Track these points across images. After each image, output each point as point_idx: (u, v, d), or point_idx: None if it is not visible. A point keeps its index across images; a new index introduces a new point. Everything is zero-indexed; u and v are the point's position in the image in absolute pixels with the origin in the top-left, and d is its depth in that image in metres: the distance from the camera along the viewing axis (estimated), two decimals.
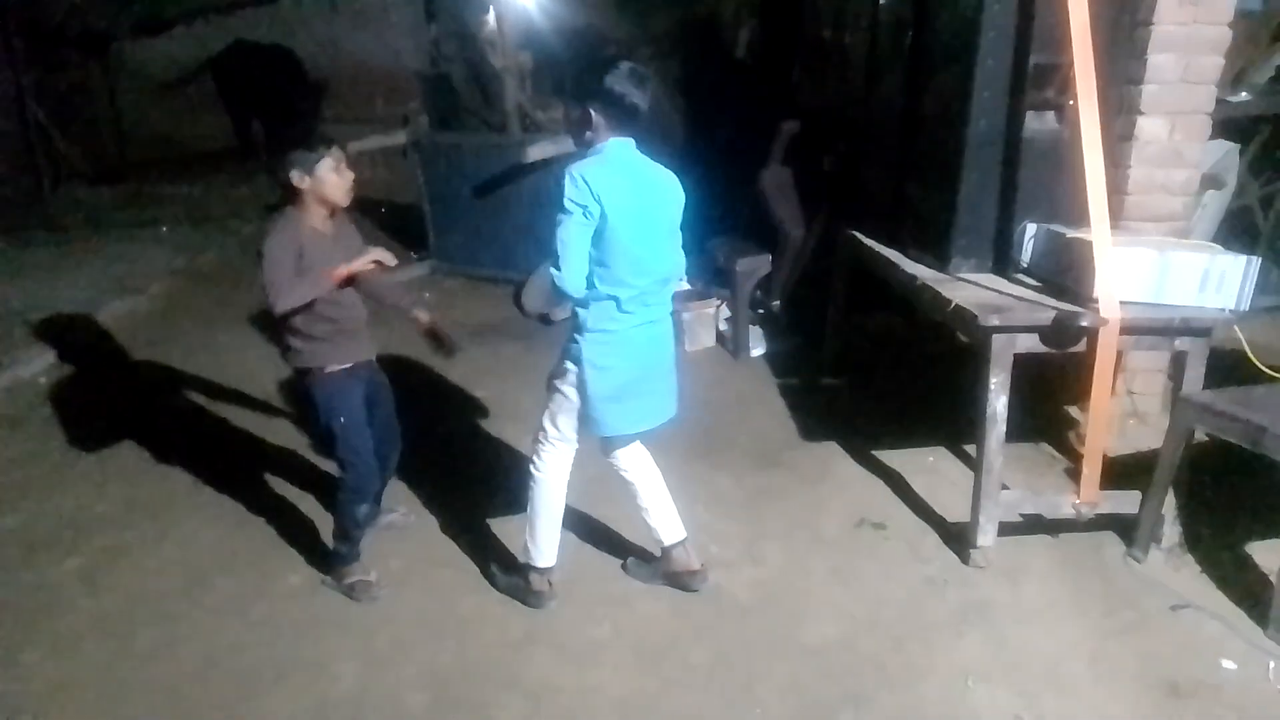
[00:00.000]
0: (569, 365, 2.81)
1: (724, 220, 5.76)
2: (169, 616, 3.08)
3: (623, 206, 2.56)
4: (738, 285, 5.16)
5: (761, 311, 5.45)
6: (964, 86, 3.26)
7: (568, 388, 2.83)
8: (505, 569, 3.19)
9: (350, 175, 2.92)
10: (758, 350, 5.29)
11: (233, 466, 4.04)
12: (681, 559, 3.10)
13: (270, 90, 10.39)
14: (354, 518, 3.10)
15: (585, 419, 2.84)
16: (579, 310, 2.73)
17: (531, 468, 2.99)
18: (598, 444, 3.03)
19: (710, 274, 5.77)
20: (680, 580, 3.12)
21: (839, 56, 6.16)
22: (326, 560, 3.25)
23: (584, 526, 3.47)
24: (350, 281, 2.95)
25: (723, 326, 5.45)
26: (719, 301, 5.46)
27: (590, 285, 2.65)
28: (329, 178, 2.85)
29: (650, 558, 3.22)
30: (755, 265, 5.18)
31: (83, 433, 4.46)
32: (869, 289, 4.92)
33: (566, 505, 3.04)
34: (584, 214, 2.53)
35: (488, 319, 6.15)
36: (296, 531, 3.54)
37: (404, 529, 3.54)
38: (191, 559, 3.41)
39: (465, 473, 3.99)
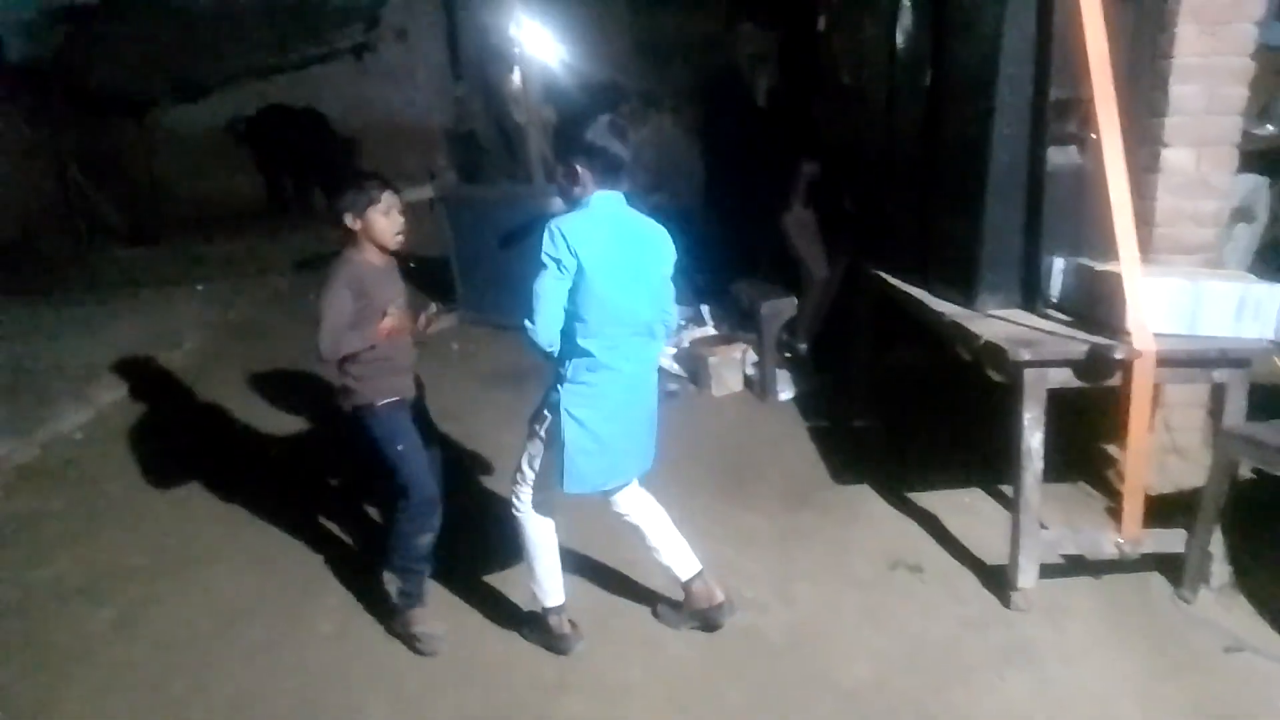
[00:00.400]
0: (547, 412, 2.84)
1: (747, 263, 5.79)
2: (200, 663, 3.08)
3: (600, 258, 2.60)
4: (763, 328, 5.16)
5: (788, 354, 5.44)
6: (984, 122, 3.28)
7: (544, 432, 2.86)
8: (529, 623, 3.16)
9: (400, 220, 2.99)
10: (785, 393, 5.26)
11: (264, 514, 4.06)
12: (702, 592, 3.05)
13: (301, 149, 10.69)
14: (417, 549, 3.07)
15: (556, 471, 2.82)
16: (561, 361, 2.76)
17: (513, 510, 2.99)
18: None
19: (735, 317, 5.78)
20: (706, 617, 3.06)
21: (858, 101, 6.22)
22: (396, 605, 3.17)
23: (608, 569, 3.44)
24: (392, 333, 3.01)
25: (749, 370, 5.43)
26: (745, 345, 5.45)
27: (569, 337, 2.69)
28: (379, 221, 2.94)
29: (678, 603, 3.16)
30: (780, 307, 5.19)
31: (118, 485, 4.52)
32: (896, 328, 4.91)
33: (589, 551, 3.04)
34: (559, 267, 2.58)
35: (514, 365, 6.17)
36: (326, 577, 3.55)
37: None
38: (222, 606, 3.41)
39: (493, 514, 3.97)
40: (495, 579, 3.47)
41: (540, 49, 9.41)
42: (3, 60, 10.02)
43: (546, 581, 3.01)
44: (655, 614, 3.21)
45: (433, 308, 3.23)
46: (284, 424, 5.10)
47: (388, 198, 2.94)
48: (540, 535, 2.98)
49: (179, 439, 5.09)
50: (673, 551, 3.06)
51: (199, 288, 8.51)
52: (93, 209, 10.43)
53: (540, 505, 2.97)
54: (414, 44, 11.41)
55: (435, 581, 3.42)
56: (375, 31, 11.25)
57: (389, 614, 3.20)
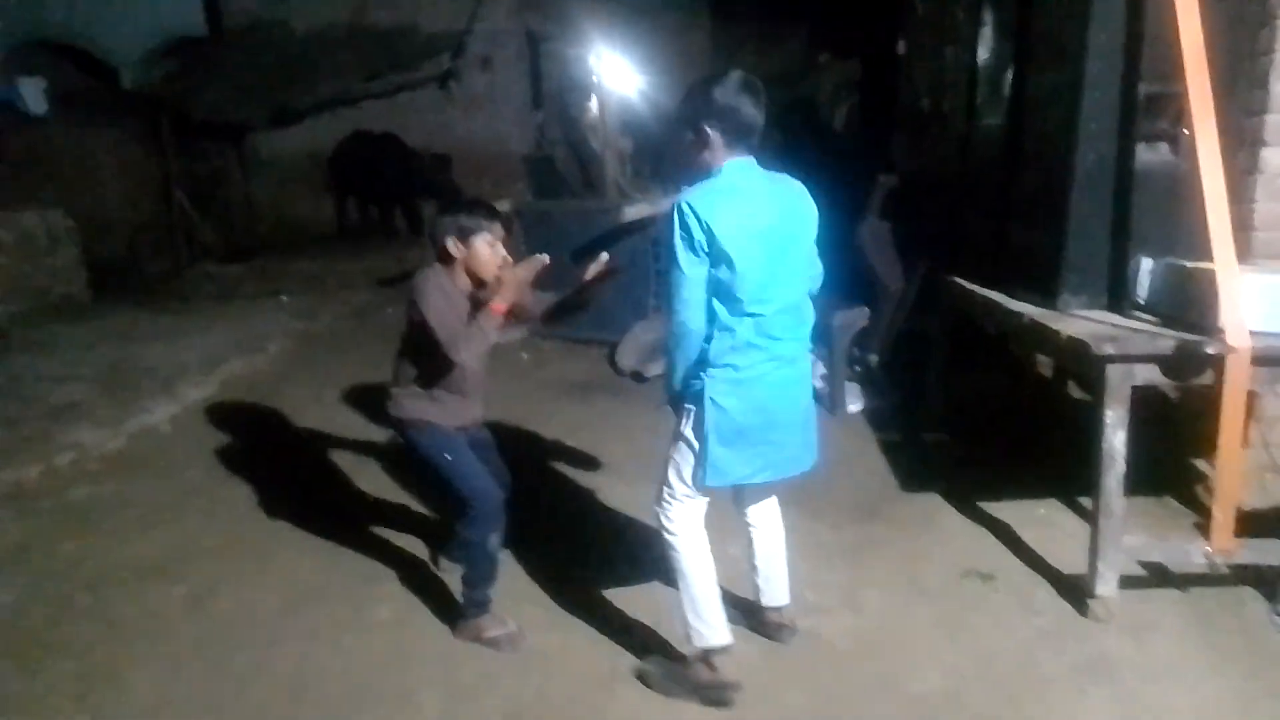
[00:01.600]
0: (689, 406, 2.56)
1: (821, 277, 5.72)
2: (265, 642, 3.12)
3: (738, 229, 2.36)
4: (834, 340, 5.07)
5: (859, 367, 5.33)
6: (1070, 119, 3.19)
7: (689, 430, 2.57)
8: (667, 667, 2.74)
9: (503, 254, 2.86)
10: (855, 406, 5.15)
11: (332, 509, 4.13)
12: (774, 617, 2.95)
13: (380, 174, 11.04)
14: (486, 554, 2.96)
15: (698, 463, 2.56)
16: (703, 345, 2.49)
17: (664, 533, 2.64)
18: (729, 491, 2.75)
19: None
20: (766, 630, 2.96)
21: (937, 121, 6.16)
22: (461, 615, 3.08)
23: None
24: (511, 312, 2.85)
25: (818, 383, 5.33)
26: (814, 357, 5.36)
27: (711, 317, 2.45)
28: (483, 251, 2.82)
29: (738, 600, 3.01)
30: (852, 319, 5.09)
31: (198, 474, 4.67)
32: (972, 348, 4.78)
33: (652, 543, 2.92)
34: (692, 247, 2.36)
35: (583, 377, 6.22)
36: (388, 568, 3.57)
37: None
38: (288, 589, 3.46)
39: (554, 514, 3.97)
40: (554, 572, 3.45)
41: (619, 80, 9.61)
42: (117, 87, 10.67)
43: (709, 614, 2.59)
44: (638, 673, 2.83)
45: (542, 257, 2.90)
46: (356, 426, 5.21)
47: (496, 229, 2.84)
48: (697, 558, 2.61)
49: (259, 435, 5.24)
50: (772, 576, 2.90)
51: (284, 299, 8.83)
52: (192, 228, 10.95)
53: (693, 519, 2.64)
54: (497, 73, 11.72)
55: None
56: (461, 60, 11.60)
57: (453, 608, 3.15)
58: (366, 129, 11.32)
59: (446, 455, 2.96)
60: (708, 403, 2.50)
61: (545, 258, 2.82)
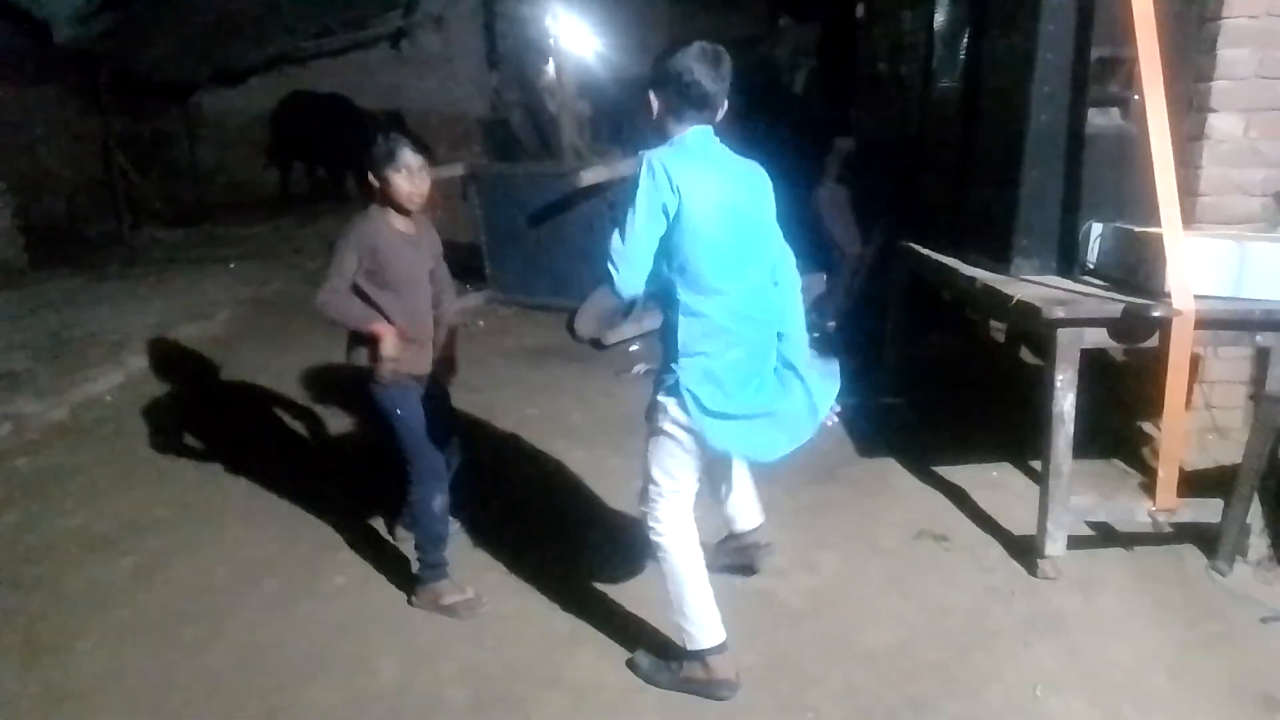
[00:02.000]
0: (663, 399, 2.43)
1: (793, 260, 5.74)
2: (216, 612, 3.08)
3: (707, 198, 2.27)
4: None
5: (815, 333, 5.35)
6: (1024, 82, 3.19)
7: (669, 425, 2.43)
8: (658, 661, 2.64)
9: (423, 181, 2.87)
10: None
11: (285, 477, 4.06)
12: (751, 540, 3.01)
13: (326, 136, 10.77)
14: (432, 514, 2.98)
15: (697, 438, 2.42)
16: (668, 336, 2.39)
17: (650, 533, 2.53)
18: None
19: None
20: (747, 555, 3.00)
21: (895, 85, 6.16)
22: (418, 580, 3.05)
23: (629, 521, 3.39)
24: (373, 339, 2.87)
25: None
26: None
27: (675, 302, 2.34)
28: (398, 182, 2.82)
29: (717, 545, 3.01)
30: (809, 284, 5.06)
31: (145, 444, 4.57)
32: (927, 311, 4.82)
33: (609, 507, 2.91)
34: (656, 205, 2.25)
35: (542, 344, 6.18)
36: (342, 535, 3.54)
37: (452, 536, 3.49)
38: (240, 560, 3.41)
39: (512, 481, 3.96)
40: (511, 538, 3.45)
41: (576, 42, 9.43)
42: (50, 43, 10.20)
43: (700, 616, 2.49)
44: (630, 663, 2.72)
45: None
46: (308, 394, 5.13)
47: (410, 157, 2.82)
48: (687, 557, 2.50)
49: (207, 404, 5.13)
50: (741, 501, 2.96)
51: (232, 266, 8.62)
52: (134, 191, 10.61)
53: (681, 513, 2.53)
54: (451, 33, 11.47)
55: (455, 541, 3.41)
56: (413, 18, 11.31)
57: (409, 576, 3.12)
58: (309, 89, 11.00)
59: (397, 410, 2.95)
60: (685, 396, 2.36)
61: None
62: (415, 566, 3.07)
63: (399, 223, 2.91)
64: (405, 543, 3.34)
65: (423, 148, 2.97)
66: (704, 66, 2.33)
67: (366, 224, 2.88)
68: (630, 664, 2.68)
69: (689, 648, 2.52)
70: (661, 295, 2.42)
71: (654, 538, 2.52)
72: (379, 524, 3.61)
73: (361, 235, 2.85)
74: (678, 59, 2.34)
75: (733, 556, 3.04)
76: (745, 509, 2.98)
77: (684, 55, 2.34)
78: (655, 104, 2.41)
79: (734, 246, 2.35)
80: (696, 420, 2.36)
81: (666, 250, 2.32)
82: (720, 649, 2.51)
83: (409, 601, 3.07)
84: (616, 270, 2.30)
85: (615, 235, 2.31)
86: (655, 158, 2.28)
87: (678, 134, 2.39)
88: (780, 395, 2.47)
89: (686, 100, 2.35)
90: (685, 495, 2.53)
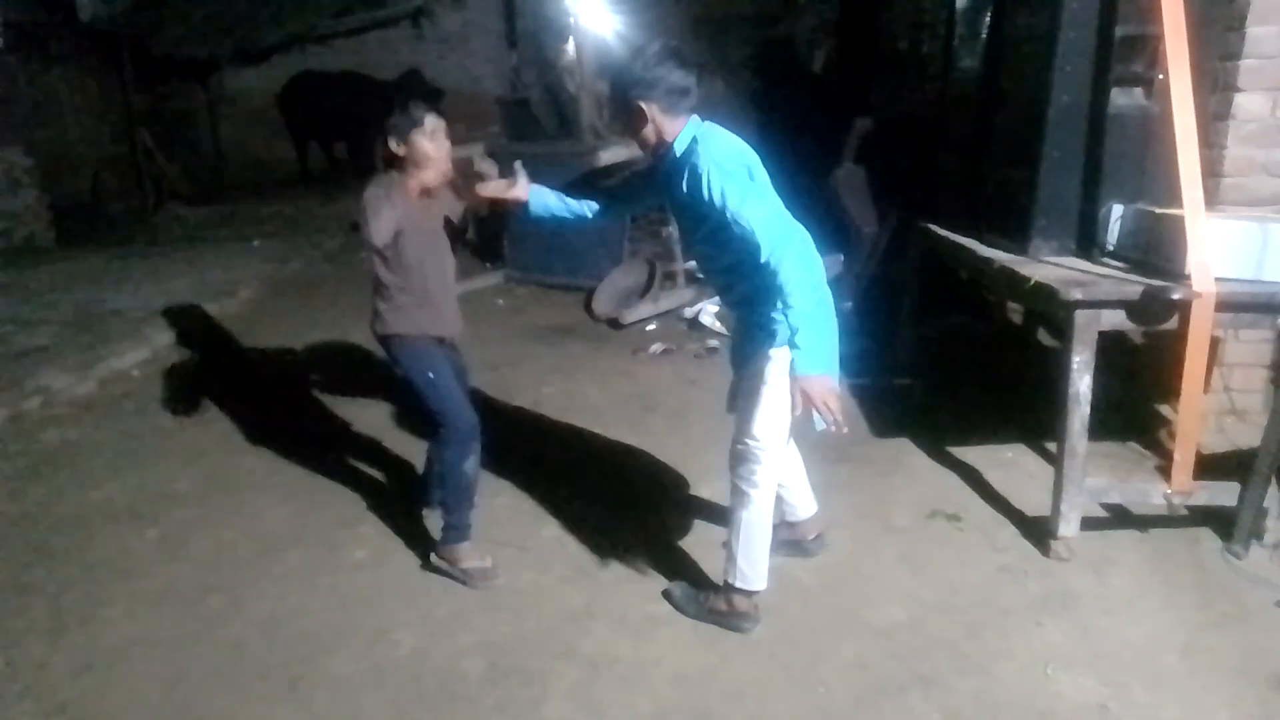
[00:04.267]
0: (775, 351, 2.50)
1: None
2: (238, 583, 3.14)
3: (748, 153, 2.45)
4: None
5: None
6: (1045, 60, 3.16)
7: (780, 378, 2.48)
8: (689, 591, 2.87)
9: (446, 144, 2.86)
10: None
11: (308, 451, 4.12)
12: (806, 528, 3.07)
13: (342, 115, 10.76)
14: (463, 474, 3.00)
15: (744, 419, 2.60)
16: (759, 281, 2.41)
17: (741, 482, 2.65)
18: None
19: None
20: (801, 547, 3.07)
21: (915, 65, 6.11)
22: (441, 539, 3.10)
23: (644, 501, 3.42)
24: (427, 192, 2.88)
25: None
26: None
27: (754, 250, 2.36)
28: (420, 143, 2.81)
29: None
30: (825, 265, 5.07)
31: (169, 418, 4.65)
32: (943, 291, 4.80)
33: (624, 485, 2.95)
34: (756, 182, 2.37)
35: (559, 323, 6.21)
36: (363, 509, 3.59)
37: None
38: (263, 532, 3.47)
39: (528, 458, 3.99)
40: (528, 514, 3.49)
41: (595, 21, 9.38)
42: (75, 22, 10.30)
43: (760, 562, 2.68)
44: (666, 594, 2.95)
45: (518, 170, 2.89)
46: (329, 370, 5.19)
47: (433, 120, 2.83)
48: (767, 511, 2.66)
49: (230, 380, 5.20)
50: (799, 489, 3.02)
51: (255, 244, 8.69)
52: (158, 170, 10.69)
53: (774, 473, 2.65)
54: (470, 11, 11.44)
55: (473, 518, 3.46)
56: None
57: (429, 548, 3.16)
58: (319, 69, 10.99)
59: (429, 373, 2.97)
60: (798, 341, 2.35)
61: (522, 189, 2.82)
62: (441, 528, 3.10)
63: (416, 192, 2.89)
64: (427, 518, 3.38)
65: (436, 94, 2.99)
66: (669, 63, 2.38)
67: (386, 181, 2.85)
68: (665, 594, 2.90)
69: (737, 584, 2.69)
70: (742, 250, 2.39)
71: (745, 488, 2.64)
72: (397, 497, 3.66)
73: (383, 190, 2.82)
74: (639, 66, 2.39)
75: (787, 545, 3.07)
76: (802, 498, 3.05)
77: (644, 60, 2.39)
78: (638, 113, 2.43)
79: (779, 199, 2.48)
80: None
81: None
82: (755, 595, 2.72)
83: (428, 559, 3.13)
84: (791, 251, 2.29)
85: (762, 227, 2.30)
86: (715, 155, 2.36)
87: (676, 132, 2.45)
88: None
89: (666, 100, 2.41)
90: (780, 456, 2.67)
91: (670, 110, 2.44)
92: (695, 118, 2.50)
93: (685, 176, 2.43)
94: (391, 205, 2.79)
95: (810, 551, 3.07)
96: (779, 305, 2.37)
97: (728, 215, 2.34)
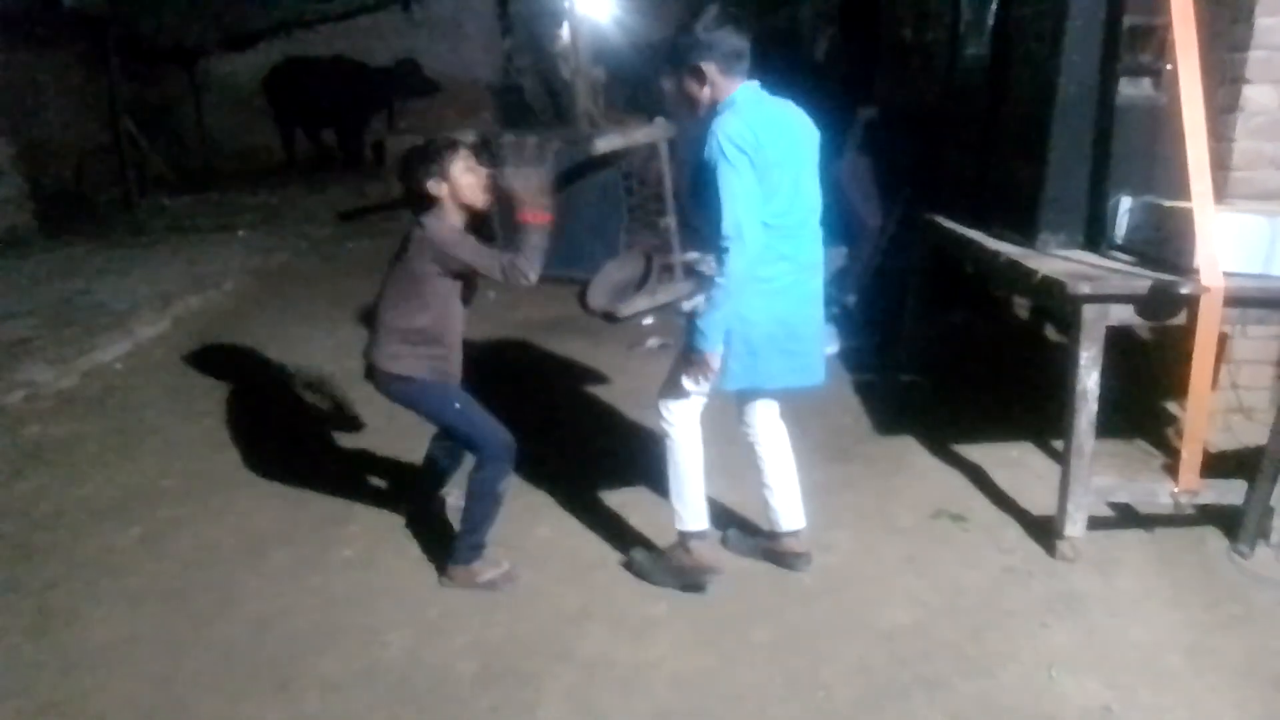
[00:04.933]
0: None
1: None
2: (226, 582, 3.07)
3: (777, 144, 2.51)
4: None
5: (835, 309, 5.27)
6: (1052, 51, 3.11)
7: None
8: (650, 555, 2.99)
9: (483, 171, 2.81)
10: (831, 348, 5.09)
11: (294, 448, 4.06)
12: (791, 544, 2.99)
13: (331, 101, 10.64)
14: (495, 495, 2.91)
15: (721, 371, 2.70)
16: (725, 256, 2.55)
17: (663, 423, 2.84)
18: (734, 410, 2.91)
19: None
20: (785, 560, 2.99)
21: (920, 54, 6.03)
22: (453, 559, 2.99)
23: (647, 504, 3.36)
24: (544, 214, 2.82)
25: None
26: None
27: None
28: (464, 179, 2.74)
29: (755, 530, 3.10)
30: (829, 258, 5.01)
31: (153, 413, 4.55)
32: (949, 286, 4.75)
33: (621, 483, 2.94)
34: (751, 162, 2.45)
35: (553, 316, 6.13)
36: (352, 507, 3.52)
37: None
38: (250, 531, 3.40)
39: (521, 457, 3.90)
40: (522, 514, 3.42)
41: (591, 6, 9.28)
42: (58, 7, 10.11)
43: (692, 501, 2.84)
44: (725, 540, 3.11)
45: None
46: (317, 364, 5.10)
47: (464, 151, 2.75)
48: (689, 451, 2.82)
49: (215, 374, 5.11)
50: (786, 498, 2.95)
51: (240, 234, 8.58)
52: (142, 158, 10.54)
53: (692, 415, 2.81)
54: None
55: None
56: None
57: (419, 554, 3.10)
58: (304, 55, 10.87)
59: (455, 405, 2.89)
60: (736, 321, 2.61)
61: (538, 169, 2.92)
62: (456, 543, 2.98)
63: (457, 223, 2.80)
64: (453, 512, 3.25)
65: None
66: (729, 25, 2.54)
67: (440, 225, 2.75)
68: (626, 564, 3.00)
69: (678, 528, 2.87)
70: (716, 228, 2.54)
71: (665, 427, 2.83)
72: (386, 494, 3.60)
73: (456, 234, 2.75)
74: (702, 27, 2.53)
75: (768, 553, 3.02)
76: (787, 508, 2.97)
77: (706, 22, 2.53)
78: (695, 77, 2.56)
79: (794, 184, 2.59)
80: (732, 356, 2.65)
81: None
82: (702, 535, 2.88)
83: (440, 580, 3.01)
84: (748, 237, 2.46)
85: (730, 210, 2.45)
86: (725, 125, 2.46)
87: (729, 94, 2.56)
88: (807, 336, 2.76)
89: (723, 62, 2.54)
90: (698, 400, 2.81)
91: (727, 72, 2.56)
92: (752, 83, 2.61)
93: (707, 133, 2.53)
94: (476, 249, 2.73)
95: (794, 568, 2.98)
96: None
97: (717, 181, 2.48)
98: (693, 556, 2.86)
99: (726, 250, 2.48)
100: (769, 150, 2.49)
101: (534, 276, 2.73)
